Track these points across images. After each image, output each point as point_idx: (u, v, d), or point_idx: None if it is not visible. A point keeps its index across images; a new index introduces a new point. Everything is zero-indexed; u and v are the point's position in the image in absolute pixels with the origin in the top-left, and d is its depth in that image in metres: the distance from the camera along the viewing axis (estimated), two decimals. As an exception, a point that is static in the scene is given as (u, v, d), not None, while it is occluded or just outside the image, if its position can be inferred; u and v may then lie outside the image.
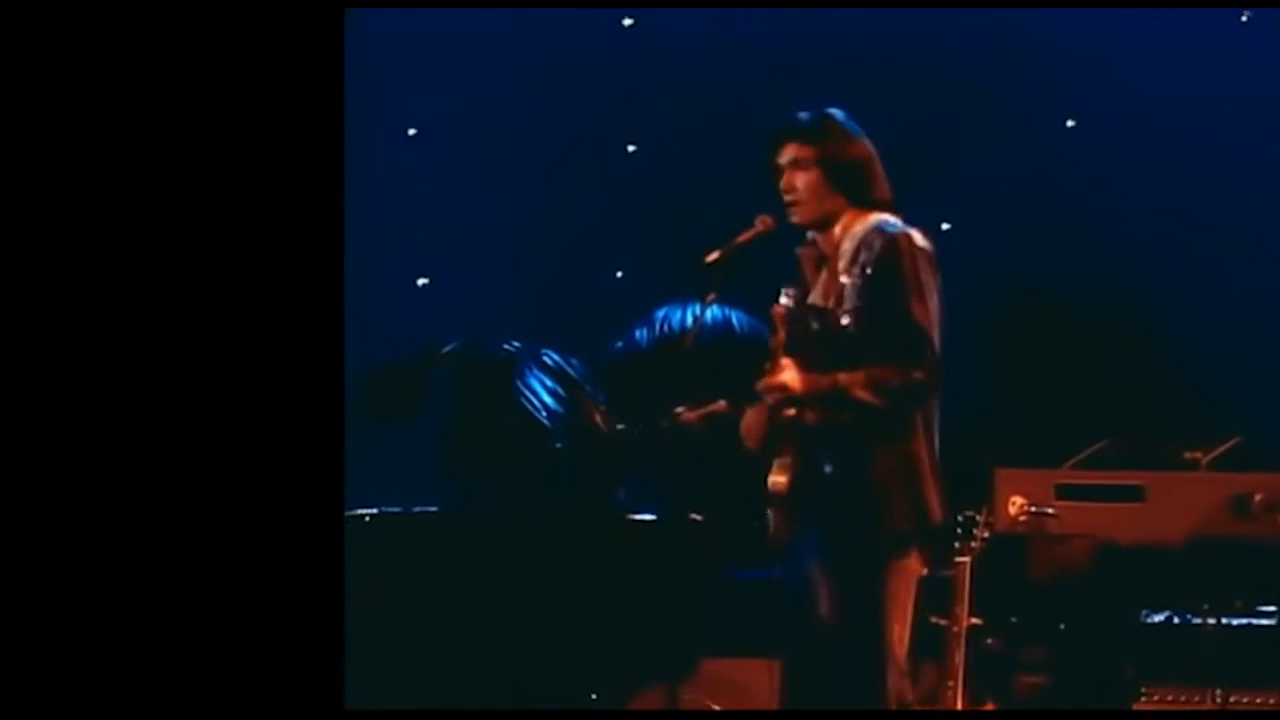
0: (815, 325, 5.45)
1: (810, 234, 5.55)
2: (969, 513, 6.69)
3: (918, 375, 5.34)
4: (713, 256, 5.45)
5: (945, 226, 7.31)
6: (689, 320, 8.09)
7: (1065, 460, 7.25)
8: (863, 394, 5.31)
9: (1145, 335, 8.38)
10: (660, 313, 8.45)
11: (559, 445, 7.83)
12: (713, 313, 7.27)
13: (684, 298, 8.19)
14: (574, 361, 8.18)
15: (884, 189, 5.49)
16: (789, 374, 5.35)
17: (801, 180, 5.47)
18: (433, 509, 7.35)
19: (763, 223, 5.58)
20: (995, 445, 7.29)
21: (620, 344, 8.53)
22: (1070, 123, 8.51)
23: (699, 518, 7.11)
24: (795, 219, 5.51)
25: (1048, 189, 8.44)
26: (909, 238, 5.40)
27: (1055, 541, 7.14)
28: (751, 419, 5.54)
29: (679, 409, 5.85)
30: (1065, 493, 7.01)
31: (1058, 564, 7.32)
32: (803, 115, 5.52)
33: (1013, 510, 6.92)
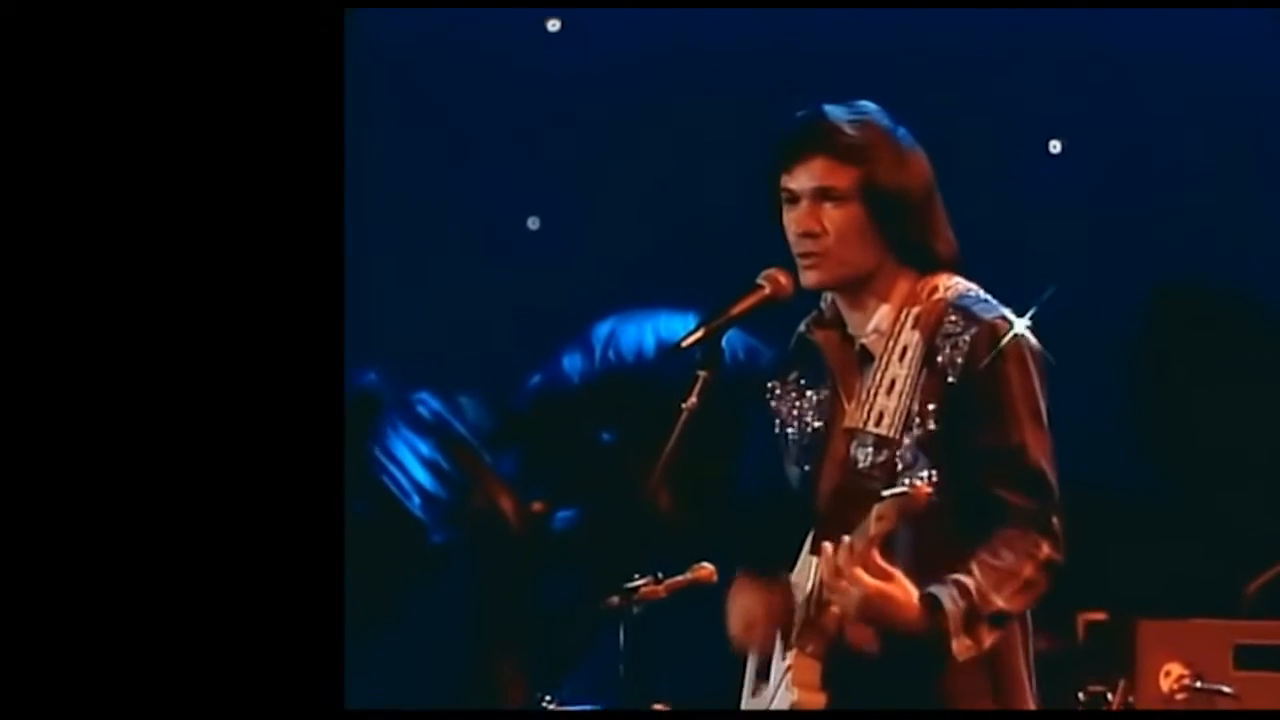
0: (861, 462, 4.68)
1: (825, 303, 4.83)
2: (1096, 688, 6.06)
3: (1046, 552, 4.58)
4: (694, 337, 4.74)
5: (1055, 147, 7.06)
6: (645, 342, 6.95)
7: (1248, 583, 6.53)
8: (1000, 603, 4.51)
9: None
10: (603, 329, 7.10)
11: (437, 540, 6.80)
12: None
13: (638, 294, 7.02)
14: (464, 403, 7.04)
15: (948, 238, 4.79)
16: (899, 589, 4.48)
17: (834, 219, 4.70)
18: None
19: (771, 283, 4.78)
20: (1134, 580, 6.61)
21: (539, 377, 7.22)
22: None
23: (664, 709, 6.35)
24: (811, 279, 4.74)
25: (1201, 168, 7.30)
26: (1011, 327, 4.73)
27: (1233, 731, 6.52)
28: (758, 601, 4.78)
29: (640, 582, 4.93)
30: (1249, 658, 6.25)
31: (1236, 765, 6.58)
32: (836, 111, 4.71)
33: (1166, 684, 6.24)
